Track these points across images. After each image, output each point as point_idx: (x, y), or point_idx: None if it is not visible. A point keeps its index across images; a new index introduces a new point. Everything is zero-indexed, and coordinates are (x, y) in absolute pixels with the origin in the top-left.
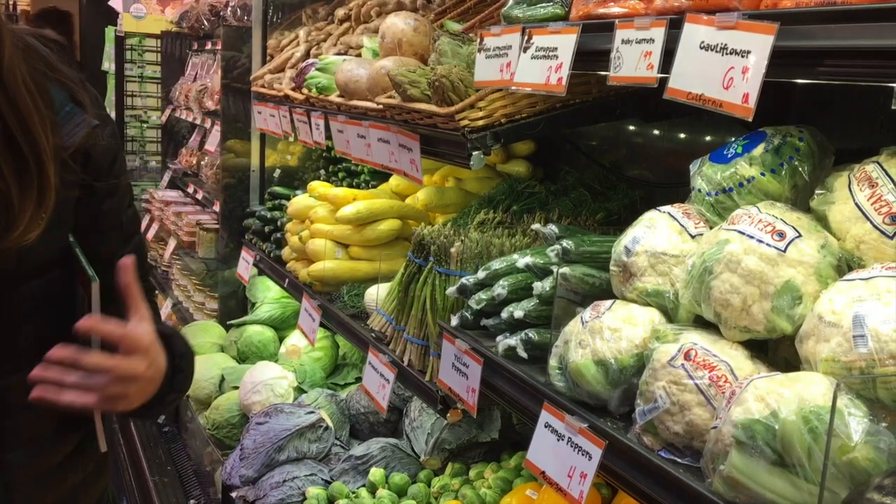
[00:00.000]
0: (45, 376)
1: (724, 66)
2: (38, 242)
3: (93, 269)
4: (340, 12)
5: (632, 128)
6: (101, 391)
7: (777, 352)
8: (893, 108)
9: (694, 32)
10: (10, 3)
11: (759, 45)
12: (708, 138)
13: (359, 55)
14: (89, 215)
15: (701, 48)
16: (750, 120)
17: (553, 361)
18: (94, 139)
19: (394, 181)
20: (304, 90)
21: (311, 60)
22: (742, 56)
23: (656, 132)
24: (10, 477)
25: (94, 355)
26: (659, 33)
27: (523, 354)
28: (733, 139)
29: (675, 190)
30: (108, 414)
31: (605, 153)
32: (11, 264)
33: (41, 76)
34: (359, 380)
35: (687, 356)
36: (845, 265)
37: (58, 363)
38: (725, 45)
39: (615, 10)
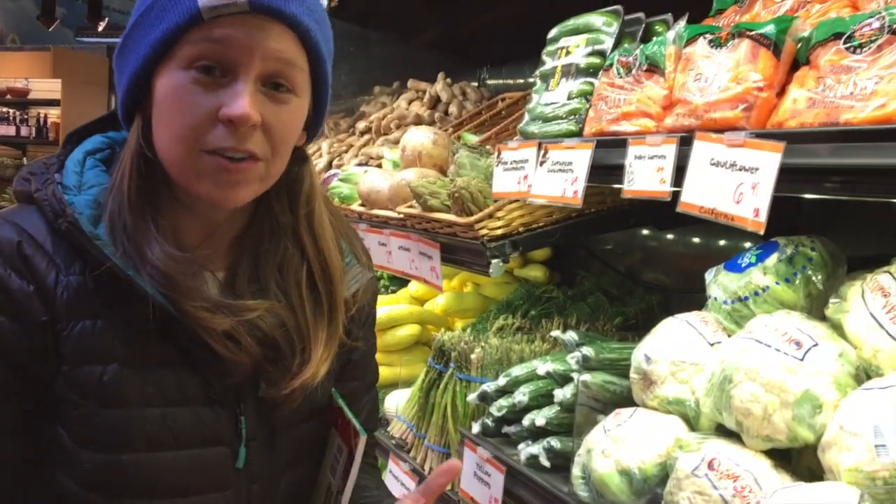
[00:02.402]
0: None
1: (734, 181)
2: (318, 384)
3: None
4: (361, 125)
5: (646, 232)
6: None
7: (801, 461)
8: None
9: (704, 149)
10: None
11: (767, 162)
12: (722, 242)
13: (379, 165)
14: (341, 363)
15: (711, 164)
16: (761, 234)
17: (576, 470)
18: (368, 291)
19: (412, 286)
20: None
21: (333, 171)
22: (751, 172)
23: (671, 237)
24: None
25: None
26: (670, 150)
27: (546, 463)
28: (748, 248)
29: (691, 295)
30: None
31: (620, 258)
32: (296, 404)
33: (333, 226)
34: None
35: (710, 466)
36: (863, 374)
37: None
38: (735, 162)
39: (627, 127)
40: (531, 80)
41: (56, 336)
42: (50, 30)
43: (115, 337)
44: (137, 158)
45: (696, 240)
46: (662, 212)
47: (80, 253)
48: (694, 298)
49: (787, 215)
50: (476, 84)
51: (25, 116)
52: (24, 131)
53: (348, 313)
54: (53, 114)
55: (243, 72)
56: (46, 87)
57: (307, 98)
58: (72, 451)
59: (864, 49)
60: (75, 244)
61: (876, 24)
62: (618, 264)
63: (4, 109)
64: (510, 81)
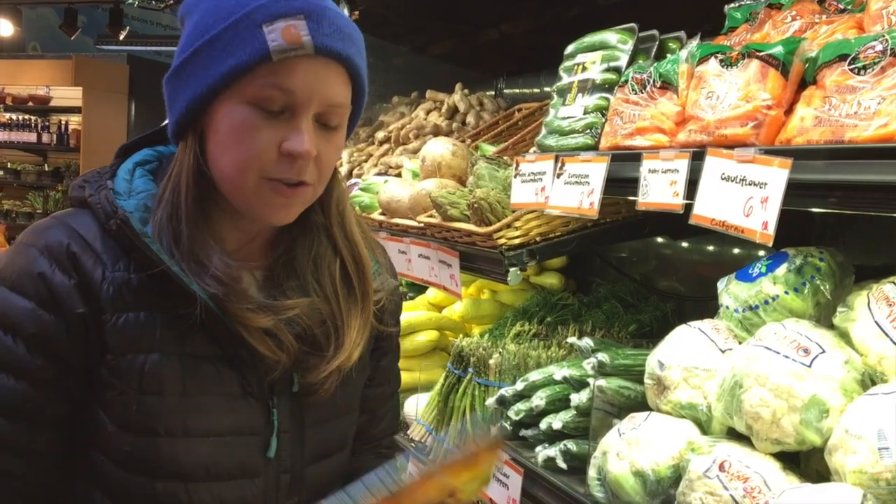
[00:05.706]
0: None
1: (744, 195)
2: (350, 379)
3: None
4: (380, 135)
5: (661, 240)
6: None
7: (809, 464)
8: None
9: (715, 164)
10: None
11: (775, 178)
12: (736, 251)
13: (398, 174)
14: (373, 363)
15: (722, 179)
16: (770, 245)
17: (592, 472)
18: (394, 299)
19: (430, 293)
20: None
21: (353, 180)
22: (760, 187)
23: (685, 244)
24: None
25: None
26: (683, 164)
27: (563, 465)
28: (759, 258)
29: (705, 303)
30: None
31: (635, 265)
32: (331, 390)
33: (362, 228)
34: None
35: (721, 468)
36: (868, 380)
37: None
38: (745, 176)
39: (641, 142)
40: (547, 89)
41: (100, 327)
42: (72, 38)
43: (157, 329)
44: (195, 174)
45: (710, 248)
46: (677, 221)
47: (127, 252)
48: (708, 306)
49: (800, 226)
50: (493, 94)
51: (47, 123)
52: (45, 138)
53: (377, 305)
54: (74, 121)
55: (302, 113)
56: (68, 94)
57: (346, 125)
58: (112, 434)
59: (868, 70)
60: (124, 243)
61: (879, 47)
62: (633, 272)
63: (26, 117)
64: (526, 91)
